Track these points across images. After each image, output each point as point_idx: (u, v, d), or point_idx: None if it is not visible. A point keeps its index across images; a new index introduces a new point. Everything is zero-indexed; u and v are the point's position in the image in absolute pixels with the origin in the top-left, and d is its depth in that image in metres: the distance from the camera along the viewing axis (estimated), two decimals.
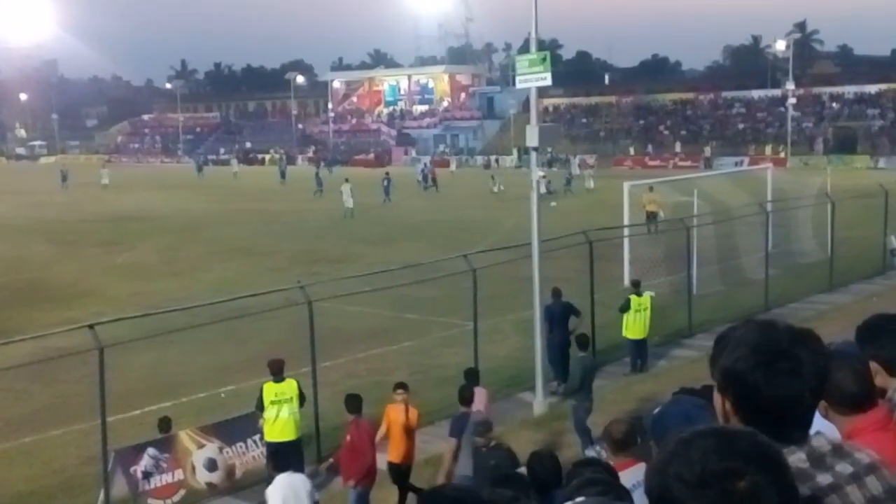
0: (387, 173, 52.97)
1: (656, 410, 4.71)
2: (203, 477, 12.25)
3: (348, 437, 11.15)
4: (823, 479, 2.20)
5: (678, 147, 75.64)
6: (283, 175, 65.71)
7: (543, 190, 28.32)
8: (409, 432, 11.77)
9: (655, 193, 30.30)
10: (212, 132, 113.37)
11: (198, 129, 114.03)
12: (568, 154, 70.71)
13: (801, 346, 2.24)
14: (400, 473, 11.68)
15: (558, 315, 16.11)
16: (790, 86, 72.07)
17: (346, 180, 44.33)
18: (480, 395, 12.19)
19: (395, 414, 11.66)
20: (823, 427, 3.55)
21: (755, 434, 1.74)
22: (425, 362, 17.38)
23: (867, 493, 2.23)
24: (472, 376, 12.76)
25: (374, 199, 46.82)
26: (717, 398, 2.31)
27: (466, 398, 11.69)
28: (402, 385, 12.08)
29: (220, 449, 12.45)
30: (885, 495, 2.24)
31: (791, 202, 27.35)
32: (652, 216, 28.85)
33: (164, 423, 12.23)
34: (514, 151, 69.33)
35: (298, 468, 12.37)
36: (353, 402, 11.30)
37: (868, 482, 2.25)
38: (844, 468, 2.25)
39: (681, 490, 1.66)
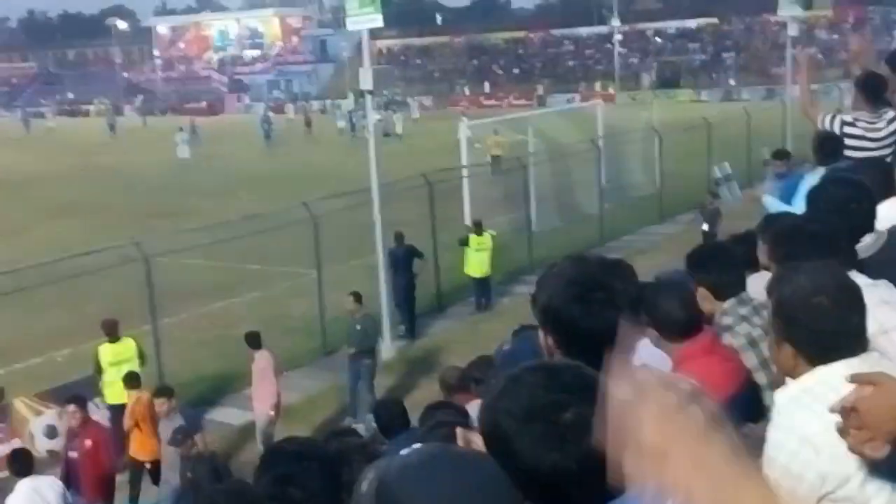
0: (265, 113, 53.04)
1: (505, 348, 4.80)
2: (43, 445, 11.77)
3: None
4: None
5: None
6: (111, 128, 61.59)
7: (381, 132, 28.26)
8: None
9: (501, 136, 30.64)
10: (29, 83, 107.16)
11: (13, 81, 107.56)
12: (405, 97, 70.64)
13: (613, 276, 2.33)
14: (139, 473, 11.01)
15: (402, 259, 16.22)
16: (616, 22, 73.94)
17: (181, 129, 42.94)
18: (263, 361, 11.84)
19: (140, 407, 10.86)
20: (655, 355, 3.72)
21: (580, 367, 1.78)
22: (271, 313, 17.17)
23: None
24: (254, 340, 12.04)
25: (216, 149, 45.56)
26: (540, 335, 2.38)
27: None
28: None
29: (60, 415, 11.99)
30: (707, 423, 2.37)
31: (621, 137, 28.24)
32: (497, 159, 29.10)
33: None
34: (350, 95, 68.54)
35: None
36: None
37: (690, 412, 2.37)
38: None
39: (510, 425, 1.69)
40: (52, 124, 70.83)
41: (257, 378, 11.86)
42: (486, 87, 78.11)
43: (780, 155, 12.66)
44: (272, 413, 11.68)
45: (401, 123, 51.08)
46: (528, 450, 1.66)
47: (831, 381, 2.33)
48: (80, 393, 11.08)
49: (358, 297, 13.39)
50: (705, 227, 18.41)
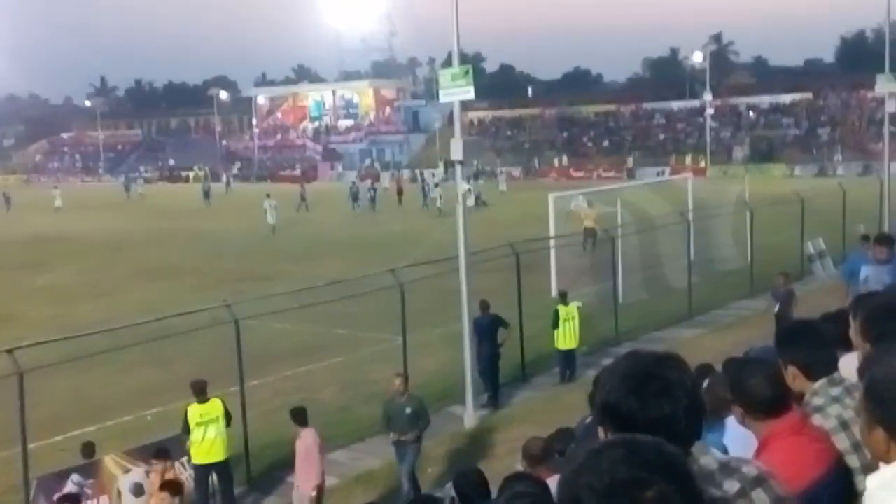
0: (354, 182, 53.39)
1: (587, 420, 4.74)
2: (129, 502, 11.97)
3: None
4: (714, 493, 2.28)
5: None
6: (206, 195, 62.39)
7: (471, 202, 28.51)
8: None
9: (594, 208, 30.42)
10: (133, 150, 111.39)
11: (119, 147, 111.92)
12: (494, 167, 71.28)
13: (667, 367, 2.34)
14: None
15: (487, 327, 16.18)
16: (708, 96, 73.64)
17: (268, 195, 44.00)
18: (310, 439, 11.50)
19: (155, 485, 10.68)
20: (740, 433, 3.63)
21: (662, 444, 1.79)
22: (355, 378, 17.31)
23: None
24: (300, 416, 11.71)
25: (301, 215, 46.50)
26: (600, 433, 2.37)
27: None
28: (159, 452, 11.19)
29: (147, 473, 12.19)
30: None
31: (711, 211, 27.92)
32: (591, 232, 28.64)
33: (88, 449, 11.96)
34: (441, 165, 69.47)
35: (228, 488, 12.25)
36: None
37: (755, 496, 2.33)
38: (732, 485, 2.33)
39: (591, 499, 1.69)
40: (142, 190, 72.84)
41: (301, 457, 11.48)
42: (576, 159, 78.28)
43: (883, 240, 11.86)
44: (314, 494, 11.32)
45: (496, 189, 51.70)
46: None
47: None
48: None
49: (405, 378, 12.83)
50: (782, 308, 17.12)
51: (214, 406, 12.21)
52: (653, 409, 2.24)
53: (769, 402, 3.39)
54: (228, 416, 12.33)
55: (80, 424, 14.37)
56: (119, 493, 11.88)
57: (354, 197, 53.24)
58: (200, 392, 12.18)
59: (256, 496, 12.89)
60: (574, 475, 1.75)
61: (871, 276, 11.39)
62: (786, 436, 3.29)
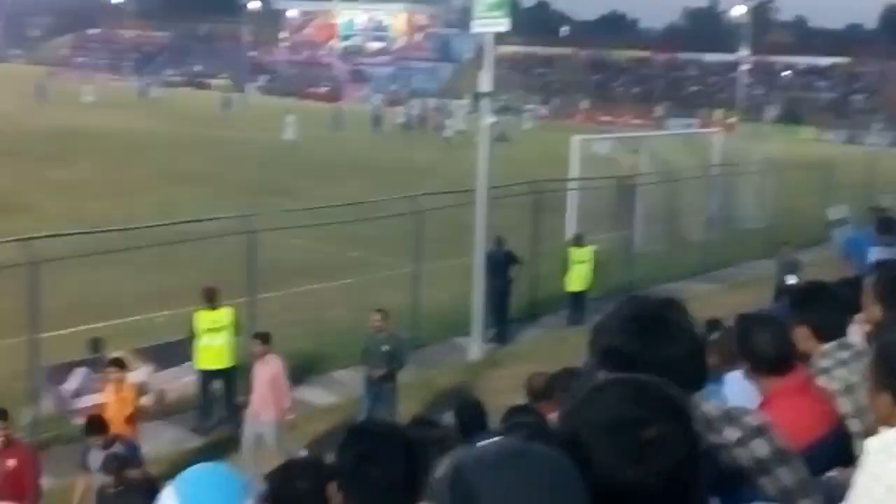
0: (376, 106, 53.69)
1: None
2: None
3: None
4: (714, 439, 2.30)
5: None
6: (227, 104, 61.77)
7: (496, 137, 28.17)
8: (129, 419, 10.12)
9: (633, 157, 29.77)
10: (160, 52, 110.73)
11: (146, 48, 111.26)
12: (521, 104, 70.61)
13: (669, 311, 2.36)
14: None
15: (499, 262, 16.21)
16: (745, 52, 72.48)
17: (288, 111, 43.86)
18: (274, 365, 11.12)
19: (109, 396, 10.32)
20: (742, 389, 3.64)
21: (666, 385, 1.78)
22: (364, 301, 17.34)
23: (754, 453, 2.34)
24: (265, 340, 11.28)
25: (325, 135, 46.33)
26: (599, 376, 2.37)
27: None
28: (116, 361, 10.56)
29: (152, 373, 12.36)
30: (772, 456, 2.36)
31: (736, 168, 27.66)
32: (621, 182, 28.15)
33: (96, 344, 12.10)
34: (468, 96, 68.85)
35: (231, 396, 12.42)
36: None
37: (754, 444, 2.34)
38: (732, 433, 2.34)
39: (590, 435, 1.69)
40: (157, 94, 71.69)
41: (264, 384, 10.92)
42: (604, 103, 77.46)
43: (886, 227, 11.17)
44: (288, 418, 11.05)
45: (515, 129, 51.34)
46: (608, 462, 1.66)
47: None
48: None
49: (385, 314, 12.32)
50: (789, 279, 16.44)
51: (224, 314, 12.32)
52: (654, 351, 2.24)
53: (773, 359, 3.40)
54: (237, 326, 12.44)
55: (90, 320, 14.50)
56: None
57: (376, 122, 52.52)
58: (211, 299, 12.28)
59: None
60: (575, 410, 1.76)
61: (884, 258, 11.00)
62: (788, 395, 3.30)
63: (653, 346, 2.25)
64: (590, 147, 25.19)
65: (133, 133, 43.63)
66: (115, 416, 9.85)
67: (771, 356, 3.40)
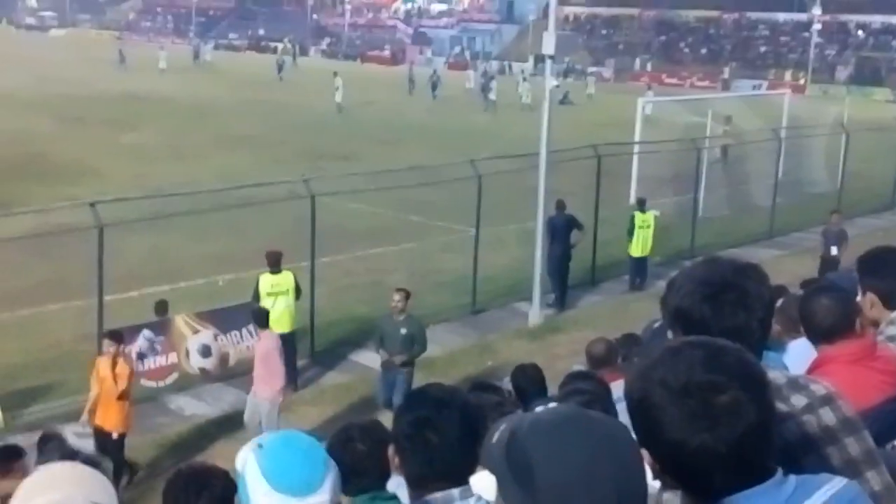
0: (434, 70, 52.26)
1: (655, 325, 4.66)
2: (196, 362, 12.33)
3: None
4: (781, 407, 2.23)
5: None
6: (280, 68, 60.52)
7: (559, 100, 27.99)
8: (122, 396, 9.85)
9: (732, 125, 28.83)
10: (225, 16, 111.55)
11: (211, 12, 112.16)
12: (585, 66, 69.80)
13: (745, 277, 2.29)
14: (109, 443, 9.51)
15: (561, 227, 16.06)
16: (816, 11, 70.50)
17: (336, 74, 43.76)
18: (271, 342, 10.74)
19: (103, 370, 9.91)
20: (803, 357, 3.53)
21: (742, 351, 1.75)
22: (424, 266, 17.40)
23: (821, 422, 2.27)
24: (262, 318, 11.07)
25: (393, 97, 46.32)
26: (669, 336, 2.32)
27: None
28: (112, 334, 10.22)
29: (215, 336, 12.51)
30: (839, 425, 2.29)
31: (805, 131, 27.00)
32: (724, 150, 27.64)
33: (161, 307, 12.29)
34: (531, 59, 68.18)
35: (291, 360, 12.53)
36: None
37: (822, 413, 2.28)
38: (799, 400, 2.28)
39: (663, 396, 1.67)
40: (210, 58, 71.62)
41: (261, 360, 10.64)
42: (670, 65, 76.16)
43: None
44: (281, 399, 10.65)
45: (584, 91, 50.84)
46: (678, 425, 1.65)
47: None
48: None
49: (406, 294, 11.47)
50: (833, 250, 16.23)
51: (286, 278, 12.41)
52: (727, 318, 2.21)
53: (826, 328, 3.34)
54: (298, 290, 12.53)
55: (155, 283, 14.75)
56: (188, 352, 12.26)
57: (434, 86, 51.72)
58: (274, 263, 12.37)
59: (318, 369, 13.18)
60: (649, 370, 1.72)
61: None
62: (841, 362, 3.20)
63: (721, 312, 2.21)
64: (654, 109, 24.79)
65: (193, 97, 44.03)
66: (107, 394, 9.73)
67: (825, 325, 3.33)
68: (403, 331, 11.24)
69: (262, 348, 10.70)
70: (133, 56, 61.49)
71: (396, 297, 11.36)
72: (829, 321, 3.31)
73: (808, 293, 3.47)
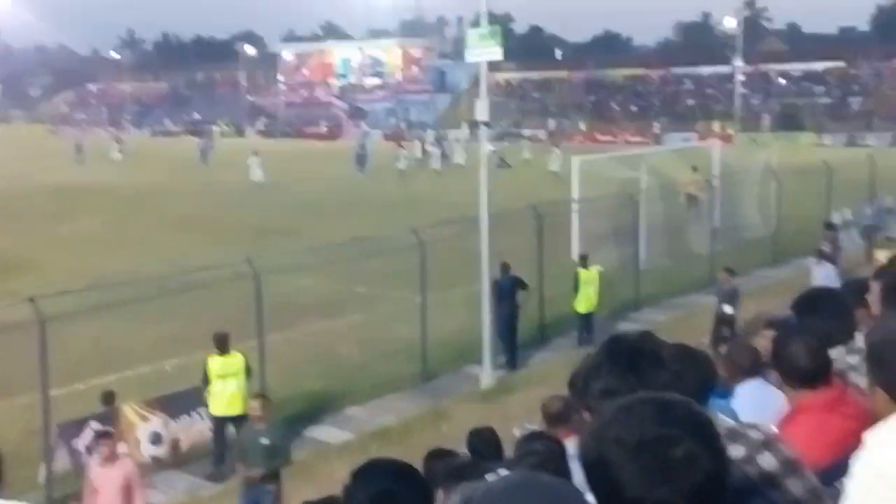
0: (362, 144, 52.28)
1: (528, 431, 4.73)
2: (148, 451, 12.17)
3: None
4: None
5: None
6: (203, 154, 56.79)
7: (495, 164, 28.36)
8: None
9: (698, 174, 29.21)
10: (160, 103, 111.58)
11: (145, 100, 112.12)
12: (519, 131, 70.98)
13: (648, 342, 2.51)
14: None
15: (506, 289, 16.18)
16: (739, 63, 72.68)
17: (255, 153, 43.83)
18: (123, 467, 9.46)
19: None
20: (751, 400, 3.61)
21: (690, 403, 1.80)
22: (374, 335, 17.38)
23: (761, 469, 2.34)
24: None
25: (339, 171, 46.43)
26: (585, 415, 2.45)
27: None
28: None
29: (165, 423, 12.36)
30: (780, 468, 2.35)
31: (737, 178, 27.65)
32: (692, 199, 27.96)
33: (108, 397, 12.11)
34: (465, 126, 69.12)
35: None
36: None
37: (760, 459, 2.34)
38: (738, 451, 2.35)
39: (618, 455, 1.69)
40: (118, 156, 59.76)
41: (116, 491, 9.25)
42: (603, 123, 77.65)
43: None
44: None
45: (520, 154, 51.72)
46: (636, 481, 1.67)
47: None
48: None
49: (266, 401, 10.52)
50: (727, 308, 15.64)
51: (235, 359, 12.31)
52: (648, 381, 2.31)
53: (806, 372, 3.35)
54: (249, 370, 12.43)
55: (101, 373, 14.51)
56: (138, 441, 12.06)
57: (360, 161, 49.52)
58: (222, 344, 12.28)
59: None
60: (602, 429, 1.76)
61: None
62: (816, 410, 3.24)
63: (646, 376, 2.33)
64: (590, 168, 25.24)
65: (131, 185, 43.71)
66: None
67: (804, 368, 3.37)
68: (264, 441, 10.11)
69: (121, 475, 9.25)
70: (70, 148, 60.92)
71: (255, 404, 10.38)
72: (808, 366, 3.34)
73: (785, 335, 3.52)
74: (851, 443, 3.16)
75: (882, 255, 16.30)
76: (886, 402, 2.48)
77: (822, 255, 16.91)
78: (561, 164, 44.20)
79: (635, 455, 1.68)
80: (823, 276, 15.17)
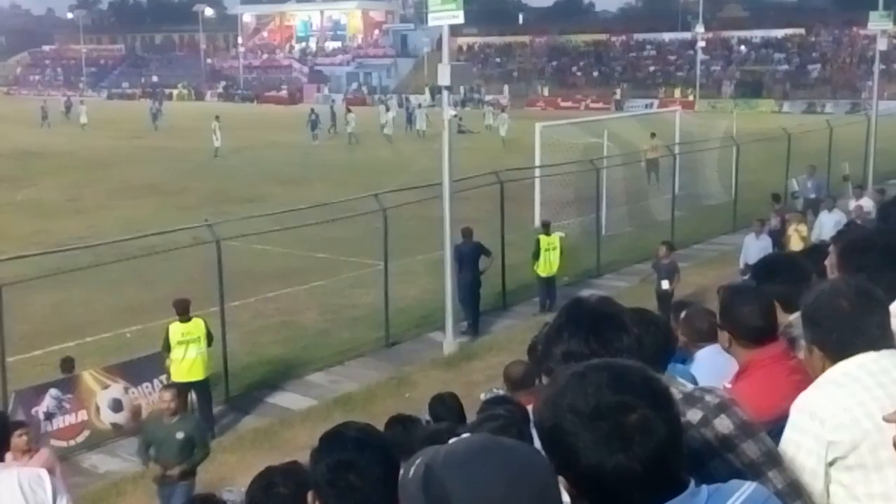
0: (312, 109, 51.80)
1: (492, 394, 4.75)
2: (108, 417, 12.08)
3: None
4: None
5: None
6: (154, 117, 56.62)
7: (457, 129, 28.22)
8: None
9: (658, 140, 29.15)
10: (116, 65, 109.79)
11: (102, 62, 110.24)
12: (482, 97, 70.81)
13: (608, 304, 2.50)
14: None
15: (468, 255, 16.19)
16: (700, 29, 72.87)
17: (217, 118, 43.29)
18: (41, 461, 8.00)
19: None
20: (710, 364, 3.67)
21: (645, 369, 1.79)
22: (336, 302, 17.37)
23: (717, 432, 2.39)
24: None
25: (295, 138, 46.03)
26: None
27: None
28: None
29: (126, 389, 12.28)
30: (735, 431, 2.41)
31: (697, 145, 27.82)
32: (653, 164, 27.98)
33: (67, 364, 11.99)
34: (427, 91, 68.75)
35: (207, 407, 12.34)
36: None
37: (716, 423, 2.38)
38: (695, 414, 2.39)
39: (573, 422, 1.69)
40: (84, 121, 55.70)
41: None
42: (564, 89, 77.70)
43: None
44: None
45: (482, 120, 51.55)
46: (591, 449, 1.68)
47: (847, 369, 2.60)
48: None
49: (176, 393, 9.72)
50: (664, 284, 15.47)
51: (196, 325, 12.22)
52: (610, 345, 2.31)
53: (758, 330, 3.41)
54: (210, 337, 12.35)
55: (60, 340, 14.37)
56: (98, 408, 11.98)
57: (313, 125, 48.90)
58: (183, 311, 12.18)
59: (235, 415, 12.99)
60: (557, 397, 1.75)
61: None
62: (766, 364, 3.33)
63: (608, 340, 2.31)
64: (552, 133, 25.25)
65: (88, 149, 43.08)
66: None
67: (756, 327, 3.42)
68: (180, 435, 9.32)
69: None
70: (23, 111, 59.84)
71: (167, 395, 9.52)
72: (760, 325, 3.40)
73: (734, 296, 3.56)
74: (797, 395, 3.25)
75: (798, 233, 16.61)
76: (822, 359, 2.67)
77: (762, 228, 17.03)
78: (507, 129, 44.45)
79: (590, 423, 1.68)
80: (759, 249, 15.19)
